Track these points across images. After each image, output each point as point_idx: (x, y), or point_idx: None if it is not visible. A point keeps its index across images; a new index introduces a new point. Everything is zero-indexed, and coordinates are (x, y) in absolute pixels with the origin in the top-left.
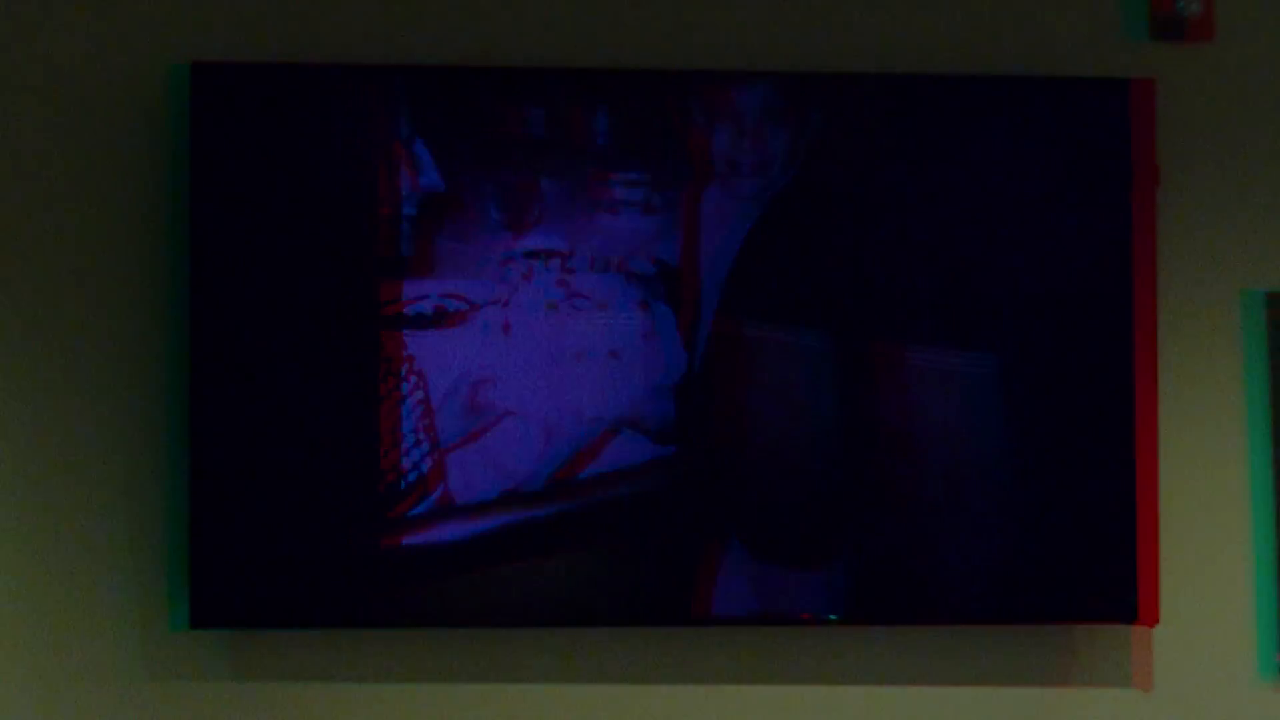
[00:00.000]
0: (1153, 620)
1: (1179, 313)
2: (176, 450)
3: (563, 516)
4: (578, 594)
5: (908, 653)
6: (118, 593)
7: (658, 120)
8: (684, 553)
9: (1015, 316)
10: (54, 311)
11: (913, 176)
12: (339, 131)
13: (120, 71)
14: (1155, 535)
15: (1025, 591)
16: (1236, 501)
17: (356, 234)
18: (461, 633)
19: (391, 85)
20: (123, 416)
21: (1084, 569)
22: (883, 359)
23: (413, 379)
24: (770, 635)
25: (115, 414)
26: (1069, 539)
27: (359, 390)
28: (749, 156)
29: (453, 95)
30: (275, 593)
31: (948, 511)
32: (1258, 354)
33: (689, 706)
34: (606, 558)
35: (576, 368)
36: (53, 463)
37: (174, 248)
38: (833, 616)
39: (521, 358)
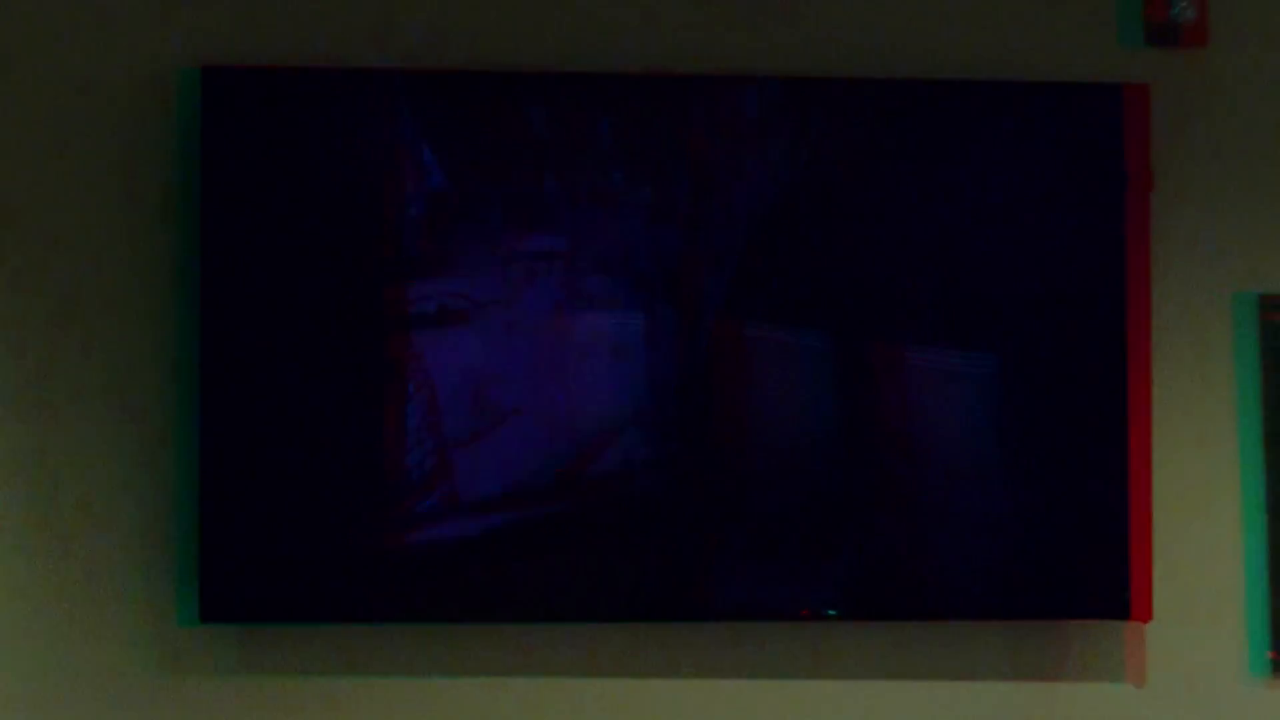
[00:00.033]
0: (1146, 617)
1: (1173, 315)
2: (186, 447)
3: (567, 514)
4: (581, 590)
5: (905, 648)
6: (128, 587)
7: (660, 123)
8: (686, 550)
9: (1011, 318)
10: (66, 311)
11: (911, 180)
12: (346, 134)
13: (130, 75)
14: (1148, 533)
15: (1021, 588)
16: (1228, 500)
17: (363, 235)
18: (467, 628)
19: (398, 88)
20: (133, 413)
21: (1079, 566)
22: (881, 359)
23: (419, 378)
24: (770, 631)
25: (126, 411)
26: (1064, 537)
27: (366, 389)
28: (749, 159)
29: (458, 98)
30: (284, 588)
31: (945, 510)
32: (1249, 355)
33: (690, 700)
34: (609, 554)
35: (580, 367)
36: (63, 459)
37: (184, 248)
38: (832, 612)
39: (526, 357)
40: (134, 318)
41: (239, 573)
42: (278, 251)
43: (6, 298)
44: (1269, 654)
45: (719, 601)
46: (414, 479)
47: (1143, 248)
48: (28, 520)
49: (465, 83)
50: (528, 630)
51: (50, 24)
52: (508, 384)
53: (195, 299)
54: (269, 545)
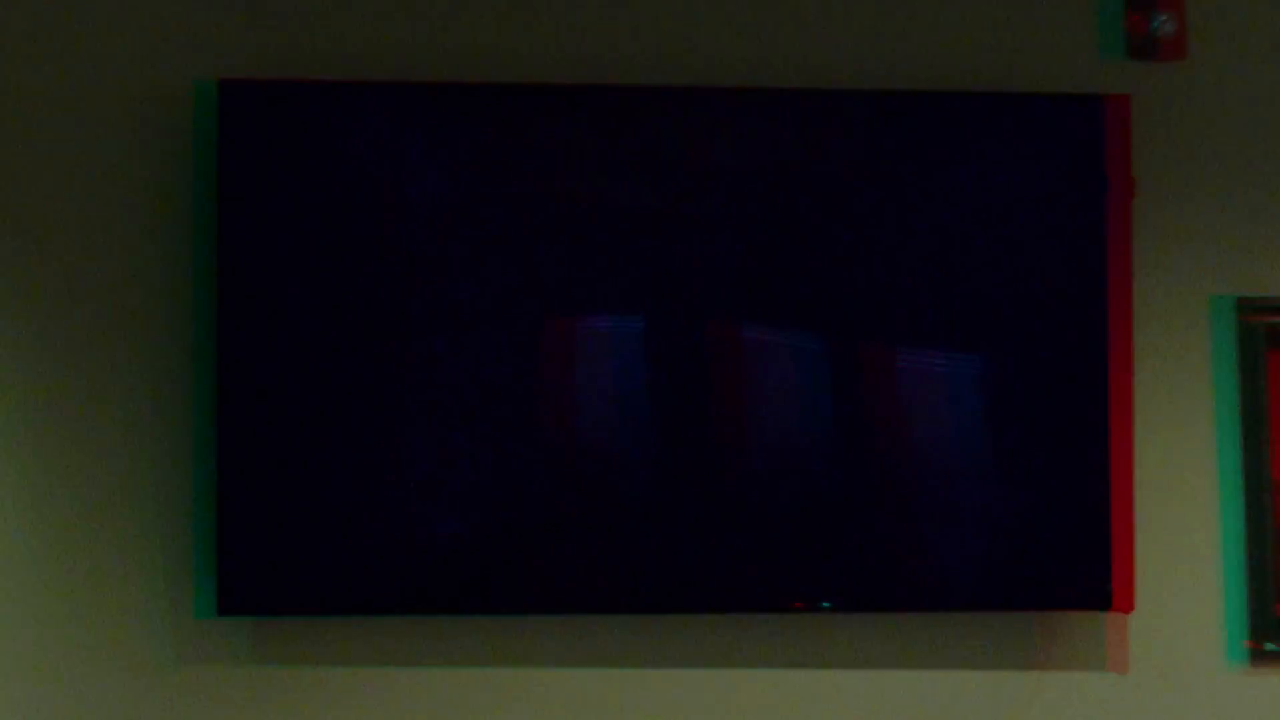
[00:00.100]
0: (1128, 607)
1: (1153, 316)
2: (204, 442)
3: (568, 509)
4: (585, 583)
5: (897, 639)
6: (146, 581)
7: (658, 133)
8: (684, 544)
9: (997, 320)
10: (88, 312)
11: (902, 188)
12: (359, 144)
13: (148, 88)
14: (1130, 527)
15: (1007, 581)
16: (1206, 495)
17: (375, 241)
18: (476, 620)
19: (411, 101)
20: (151, 410)
21: (1063, 560)
22: (872, 360)
23: (427, 378)
24: (765, 622)
25: (144, 408)
26: (1048, 531)
27: (376, 388)
28: (744, 168)
29: (466, 110)
30: (299, 581)
31: (935, 505)
32: (1226, 355)
33: (688, 690)
34: (610, 549)
35: (580, 367)
36: (83, 455)
37: (203, 252)
38: (825, 605)
39: (528, 359)
40: (155, 320)
41: (255, 566)
42: (292, 257)
43: (32, 303)
44: (1245, 643)
45: (715, 594)
46: (423, 475)
47: (1124, 252)
48: (47, 515)
49: (473, 95)
50: (532, 622)
51: (69, 38)
52: (511, 385)
53: (213, 302)
54: (284, 540)
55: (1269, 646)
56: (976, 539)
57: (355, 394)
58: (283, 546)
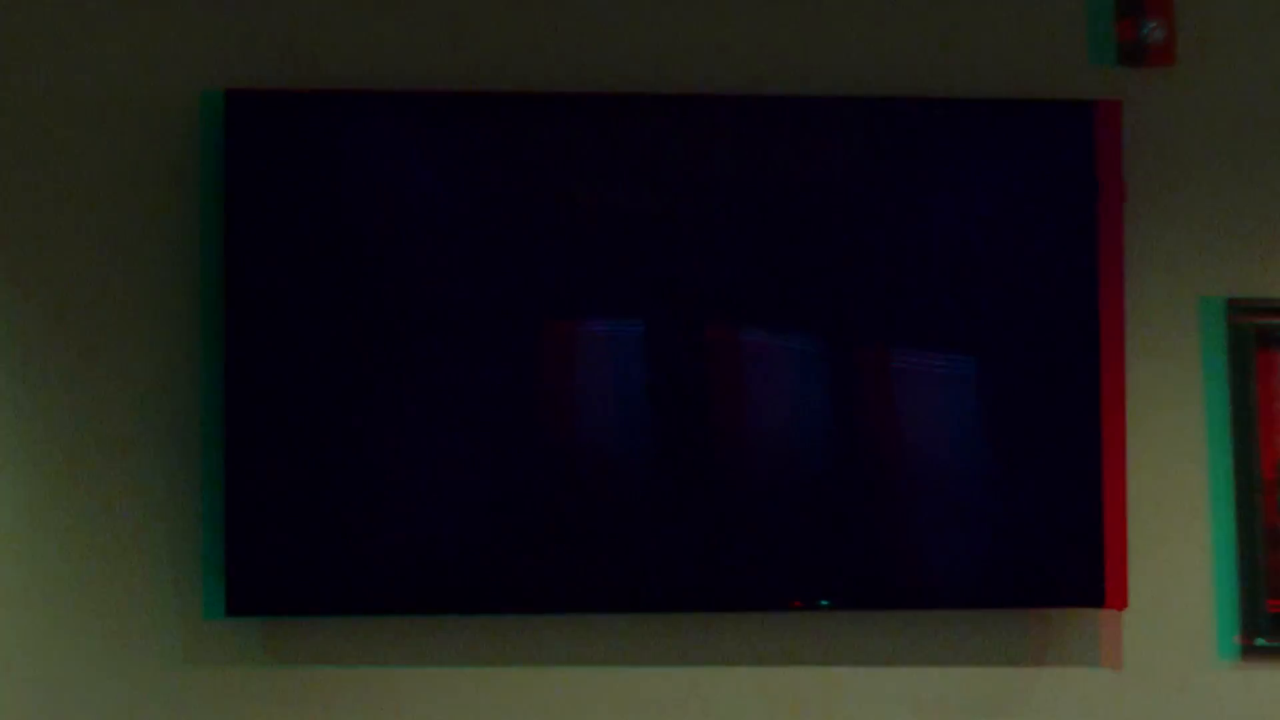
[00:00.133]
0: (1121, 604)
1: (1144, 318)
2: (212, 445)
3: (570, 510)
4: (585, 583)
5: (894, 636)
6: (155, 582)
7: (660, 140)
8: (682, 544)
9: (991, 322)
10: (97, 319)
11: (897, 193)
12: (364, 153)
13: (155, 97)
14: (1123, 526)
15: (1002, 578)
16: (1198, 494)
17: (380, 248)
18: (483, 620)
19: (414, 109)
20: (160, 414)
21: (1057, 558)
22: (869, 362)
23: (431, 381)
24: (764, 621)
25: (153, 412)
26: (1043, 530)
27: (381, 392)
28: (741, 173)
29: (470, 118)
30: (307, 582)
31: (931, 505)
32: (1217, 356)
33: (689, 687)
34: (610, 549)
35: (581, 370)
36: (93, 459)
37: (210, 259)
38: (824, 603)
39: (529, 361)
40: (163, 326)
41: (263, 567)
42: (298, 264)
43: (42, 310)
44: (1237, 639)
45: (716, 593)
46: (428, 478)
47: (1115, 254)
48: (58, 517)
49: (476, 103)
50: (535, 621)
51: (77, 48)
52: (513, 388)
53: (221, 307)
54: (292, 541)
55: (1260, 642)
56: (972, 538)
57: (360, 398)
58: (290, 548)
